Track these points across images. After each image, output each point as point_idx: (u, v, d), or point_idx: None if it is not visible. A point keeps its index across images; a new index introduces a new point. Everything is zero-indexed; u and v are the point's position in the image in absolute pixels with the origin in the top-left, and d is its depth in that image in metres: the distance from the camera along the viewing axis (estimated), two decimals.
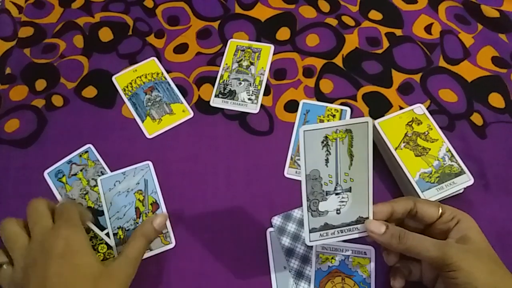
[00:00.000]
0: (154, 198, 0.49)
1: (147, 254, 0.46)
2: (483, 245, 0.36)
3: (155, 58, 0.59)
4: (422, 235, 0.36)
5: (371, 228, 0.37)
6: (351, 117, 0.54)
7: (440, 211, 0.38)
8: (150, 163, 0.51)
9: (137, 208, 0.49)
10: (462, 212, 0.38)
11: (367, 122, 0.35)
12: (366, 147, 0.35)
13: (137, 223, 0.48)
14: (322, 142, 0.35)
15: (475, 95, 0.56)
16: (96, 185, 0.50)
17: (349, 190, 0.37)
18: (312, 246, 0.46)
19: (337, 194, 0.37)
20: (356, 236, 0.38)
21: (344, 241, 0.45)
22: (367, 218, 0.37)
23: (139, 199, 0.49)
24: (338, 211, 0.37)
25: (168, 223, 0.48)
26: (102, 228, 0.48)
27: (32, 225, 0.37)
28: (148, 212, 0.49)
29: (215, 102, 0.56)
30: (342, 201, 0.37)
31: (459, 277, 0.33)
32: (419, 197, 0.45)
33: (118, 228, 0.48)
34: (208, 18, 0.64)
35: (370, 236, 0.38)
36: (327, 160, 0.36)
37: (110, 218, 0.48)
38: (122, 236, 0.47)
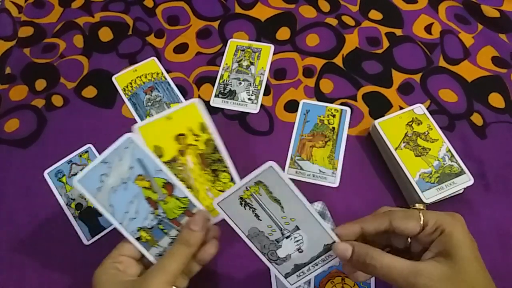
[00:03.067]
0: (163, 178, 0.38)
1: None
2: (464, 261, 0.30)
3: (155, 58, 0.59)
4: (392, 258, 0.32)
5: (337, 252, 0.34)
6: (351, 117, 0.54)
7: (422, 223, 0.32)
8: (131, 135, 0.37)
9: (148, 199, 0.37)
10: (448, 218, 0.32)
11: (271, 166, 0.33)
12: (285, 185, 0.34)
13: (158, 215, 0.38)
14: (241, 204, 0.35)
15: (475, 95, 0.56)
16: None
17: (297, 228, 0.35)
18: None
19: (287, 237, 0.35)
20: (333, 263, 0.36)
21: None
22: (334, 242, 0.35)
23: (144, 187, 0.38)
24: (300, 250, 0.36)
25: (194, 200, 0.38)
26: (101, 228, 0.48)
27: None
28: (165, 197, 0.38)
29: (215, 102, 0.56)
30: (298, 240, 0.36)
31: None
32: (419, 197, 0.45)
33: (138, 230, 0.37)
34: (208, 18, 0.64)
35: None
36: (257, 216, 0.35)
37: (121, 224, 0.37)
38: (149, 238, 0.38)
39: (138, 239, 0.37)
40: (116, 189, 0.37)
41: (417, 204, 0.46)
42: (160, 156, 0.38)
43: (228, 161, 0.40)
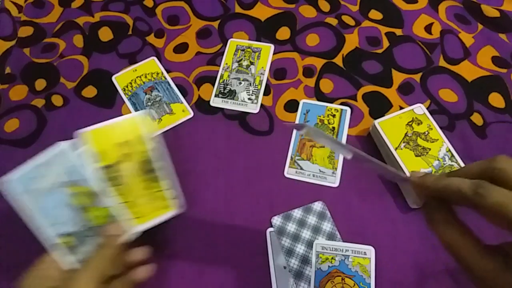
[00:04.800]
0: (93, 186, 0.39)
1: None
2: None
3: (155, 58, 0.59)
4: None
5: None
6: (351, 117, 0.54)
7: None
8: (65, 143, 0.39)
9: (76, 205, 0.39)
10: None
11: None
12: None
13: (84, 222, 0.39)
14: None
15: (475, 95, 0.56)
16: None
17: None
18: (312, 247, 0.46)
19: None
20: None
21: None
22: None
23: (73, 193, 0.39)
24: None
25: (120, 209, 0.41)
26: None
27: None
28: (92, 205, 0.39)
29: (215, 102, 0.56)
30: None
31: None
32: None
33: (63, 235, 0.38)
34: (208, 18, 0.64)
35: None
36: None
37: (47, 228, 0.38)
38: (72, 243, 0.39)
39: (63, 243, 0.38)
40: (46, 193, 0.38)
41: None
42: (100, 161, 0.39)
43: (169, 170, 0.42)
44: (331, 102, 0.56)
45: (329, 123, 0.54)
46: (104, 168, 0.40)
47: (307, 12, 0.64)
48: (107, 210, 0.40)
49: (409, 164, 0.47)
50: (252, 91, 0.57)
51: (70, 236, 0.39)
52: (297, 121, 0.54)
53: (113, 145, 0.40)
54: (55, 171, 0.38)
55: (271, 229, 0.48)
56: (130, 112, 0.55)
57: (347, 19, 0.63)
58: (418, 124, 0.50)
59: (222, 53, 0.60)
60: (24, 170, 0.37)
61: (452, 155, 0.48)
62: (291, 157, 0.52)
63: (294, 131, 0.54)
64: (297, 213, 0.48)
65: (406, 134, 0.49)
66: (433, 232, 0.26)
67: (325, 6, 0.64)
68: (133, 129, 0.41)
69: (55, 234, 0.38)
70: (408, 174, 0.47)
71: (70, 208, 0.38)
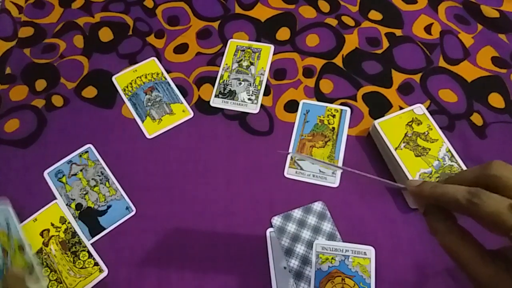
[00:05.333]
0: (19, 241, 0.46)
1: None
2: None
3: (155, 58, 0.60)
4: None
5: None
6: (350, 117, 0.54)
7: None
8: (5, 205, 0.47)
9: (3, 248, 0.45)
10: None
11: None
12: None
13: (5, 261, 0.44)
14: None
15: (475, 95, 0.56)
16: (96, 185, 0.51)
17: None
18: (312, 247, 0.46)
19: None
20: None
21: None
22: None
23: (3, 238, 0.46)
24: None
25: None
26: (102, 228, 0.48)
27: None
28: (14, 253, 0.45)
29: (215, 102, 0.56)
30: None
31: None
32: None
33: None
34: (208, 18, 0.64)
35: None
36: None
37: None
38: None
39: None
40: None
41: None
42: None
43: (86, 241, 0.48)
44: (331, 103, 0.56)
45: (329, 123, 0.54)
46: (36, 253, 0.47)
47: (307, 12, 0.64)
48: (26, 262, 0.45)
49: (409, 164, 0.47)
50: (252, 92, 0.57)
51: None
52: (297, 121, 0.54)
53: (37, 234, 0.48)
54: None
55: (271, 229, 0.48)
56: (131, 113, 0.56)
57: (347, 20, 0.63)
58: (418, 124, 0.50)
59: (222, 54, 0.60)
60: None
61: (452, 155, 0.48)
62: (291, 157, 0.52)
63: (294, 131, 0.54)
64: (297, 213, 0.49)
65: (406, 134, 0.49)
66: (436, 239, 0.26)
67: (325, 7, 0.64)
68: (54, 213, 0.49)
69: None
70: (409, 177, 0.47)
71: None
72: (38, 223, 0.49)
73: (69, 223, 0.49)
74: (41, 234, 0.48)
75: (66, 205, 0.50)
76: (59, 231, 0.48)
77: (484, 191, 0.23)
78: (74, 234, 0.48)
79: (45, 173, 0.51)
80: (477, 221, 0.23)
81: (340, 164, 0.51)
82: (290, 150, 0.53)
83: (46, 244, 0.48)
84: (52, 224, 0.49)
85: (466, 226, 0.26)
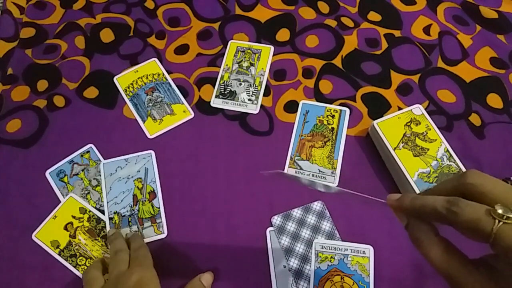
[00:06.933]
0: (152, 187, 0.50)
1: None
2: None
3: (156, 59, 0.60)
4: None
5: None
6: (350, 118, 0.55)
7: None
8: (152, 152, 0.52)
9: (134, 196, 0.50)
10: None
11: None
12: None
13: (133, 210, 0.49)
14: None
15: (474, 95, 0.57)
16: (98, 185, 0.51)
17: None
18: (311, 246, 0.46)
19: None
20: None
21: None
22: None
23: (137, 187, 0.50)
24: None
25: (162, 214, 0.49)
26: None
27: (111, 270, 0.40)
28: (145, 201, 0.50)
29: (216, 103, 0.57)
30: None
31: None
32: None
33: (114, 213, 0.49)
34: (209, 20, 0.64)
35: None
36: None
37: (108, 203, 0.49)
38: (117, 221, 0.49)
39: (110, 219, 0.49)
40: (121, 179, 0.51)
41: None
42: (58, 247, 0.48)
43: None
44: (330, 103, 0.56)
45: (328, 124, 0.54)
46: (65, 248, 0.48)
47: (307, 13, 0.64)
48: (154, 210, 0.49)
49: (408, 164, 0.48)
50: (252, 92, 0.57)
51: (120, 216, 0.49)
52: (296, 122, 0.55)
53: (61, 228, 0.49)
54: (134, 167, 0.52)
55: (271, 228, 0.48)
56: (132, 113, 0.56)
57: (346, 21, 0.63)
58: (417, 124, 0.50)
59: (223, 55, 0.60)
60: (116, 159, 0.52)
61: (450, 155, 0.48)
62: (291, 157, 0.52)
63: (294, 131, 0.54)
64: (296, 212, 0.49)
65: (404, 135, 0.50)
66: (419, 251, 0.26)
67: (324, 8, 0.65)
68: (71, 207, 0.50)
69: (112, 210, 0.49)
70: (408, 177, 0.47)
71: (130, 196, 0.50)
72: (59, 219, 0.49)
73: (90, 211, 0.49)
74: (65, 228, 0.48)
75: None
76: (82, 221, 0.49)
77: (462, 200, 0.23)
78: (99, 220, 0.49)
79: (47, 173, 0.52)
80: (457, 230, 0.24)
81: (339, 164, 0.51)
82: (290, 150, 0.53)
83: (73, 236, 0.48)
84: (74, 217, 0.49)
85: (447, 237, 0.26)
